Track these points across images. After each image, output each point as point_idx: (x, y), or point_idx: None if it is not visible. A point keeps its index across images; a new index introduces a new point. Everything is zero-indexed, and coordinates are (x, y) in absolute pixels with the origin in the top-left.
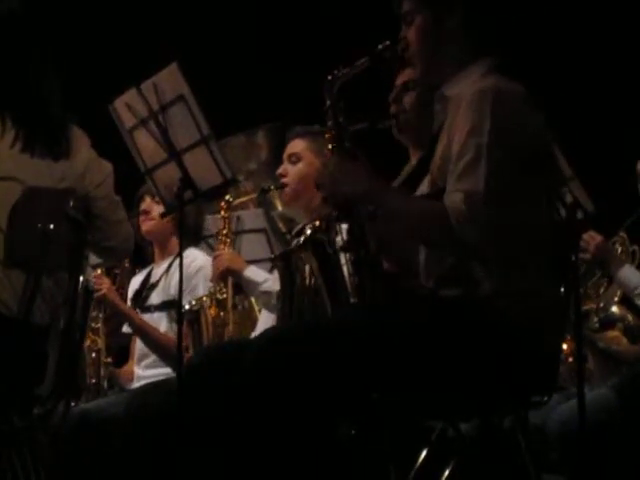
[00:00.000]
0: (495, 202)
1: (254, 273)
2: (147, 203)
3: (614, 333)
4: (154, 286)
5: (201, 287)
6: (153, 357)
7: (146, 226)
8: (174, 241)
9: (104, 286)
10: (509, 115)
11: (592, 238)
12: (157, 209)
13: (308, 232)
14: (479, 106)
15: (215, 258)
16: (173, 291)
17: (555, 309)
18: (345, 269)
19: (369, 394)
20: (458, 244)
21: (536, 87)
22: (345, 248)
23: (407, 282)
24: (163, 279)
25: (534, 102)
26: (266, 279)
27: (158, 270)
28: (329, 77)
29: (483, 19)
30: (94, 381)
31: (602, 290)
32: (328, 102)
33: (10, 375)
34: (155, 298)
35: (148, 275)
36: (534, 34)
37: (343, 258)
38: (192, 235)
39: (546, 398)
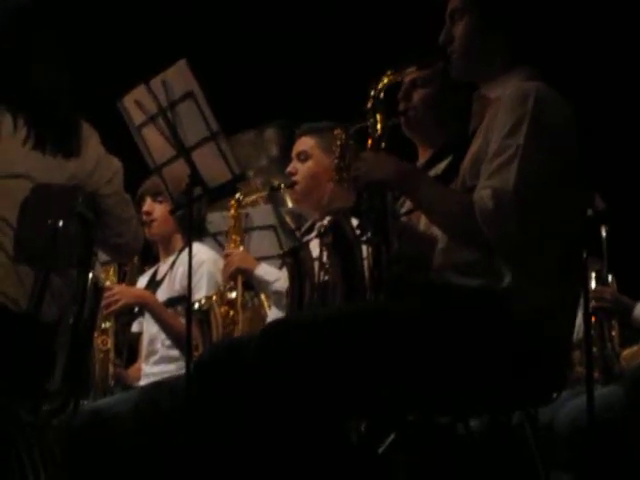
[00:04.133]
0: (523, 202)
1: (265, 271)
2: (148, 204)
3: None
4: (159, 283)
5: (204, 281)
6: (160, 354)
7: (149, 230)
8: (177, 238)
9: (117, 296)
10: (548, 120)
11: (602, 289)
12: (158, 209)
13: (327, 222)
14: (520, 108)
15: (225, 258)
16: (178, 286)
17: (567, 306)
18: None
19: (377, 389)
20: (482, 238)
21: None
22: (368, 241)
23: (422, 276)
24: (168, 276)
25: (572, 111)
26: (277, 278)
27: (163, 267)
28: (376, 80)
29: (531, 30)
30: (101, 381)
31: None
32: (371, 103)
33: (19, 371)
34: (161, 295)
35: (154, 273)
36: (573, 47)
37: (364, 252)
38: (195, 230)
39: (555, 395)
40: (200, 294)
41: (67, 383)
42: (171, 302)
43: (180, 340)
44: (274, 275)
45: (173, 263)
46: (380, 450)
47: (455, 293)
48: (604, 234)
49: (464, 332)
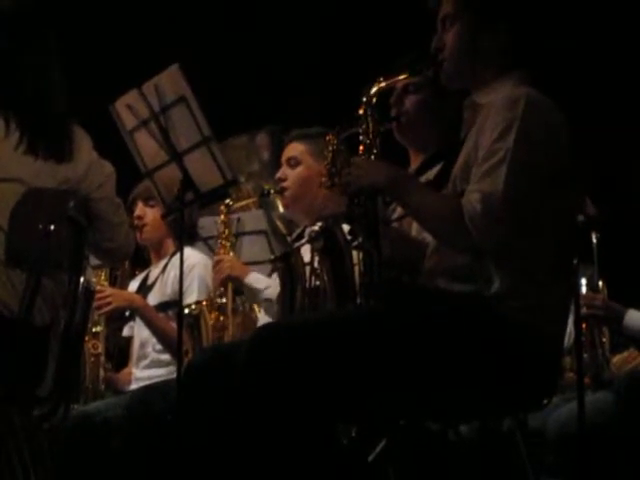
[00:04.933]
0: (511, 206)
1: (255, 280)
2: (140, 208)
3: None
4: (151, 288)
5: (195, 285)
6: (151, 358)
7: (141, 235)
8: (169, 242)
9: (109, 299)
10: (538, 125)
11: (594, 296)
12: (150, 214)
13: (318, 227)
14: (509, 112)
15: (216, 264)
16: (169, 291)
17: (558, 312)
18: (356, 268)
19: (367, 394)
20: (471, 242)
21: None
22: (359, 247)
23: (412, 281)
24: (159, 280)
25: (564, 116)
26: (267, 286)
27: (155, 272)
28: (368, 86)
29: (522, 36)
30: (92, 385)
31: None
32: (363, 109)
33: (10, 376)
34: (152, 300)
35: (145, 278)
36: (564, 52)
37: (355, 257)
38: (187, 235)
39: (546, 401)
40: (191, 298)
41: (58, 387)
42: (162, 306)
43: (171, 344)
44: (264, 283)
45: (164, 267)
46: (371, 457)
47: (445, 299)
48: (595, 240)
49: (454, 338)
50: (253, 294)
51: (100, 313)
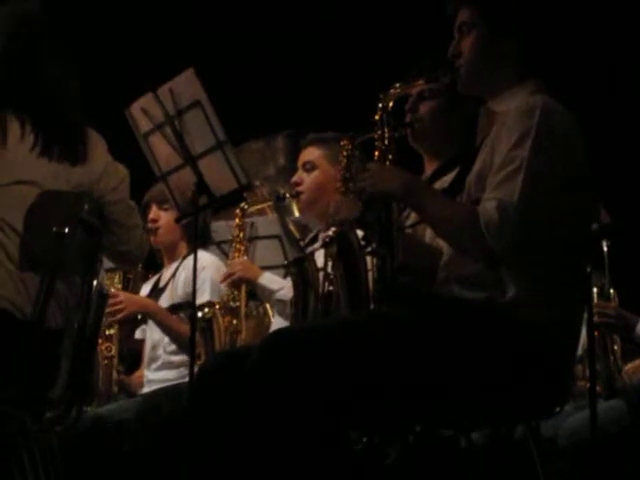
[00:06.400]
0: (527, 214)
1: (269, 280)
2: (154, 211)
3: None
4: (162, 291)
5: (207, 285)
6: (162, 360)
7: (155, 238)
8: (182, 245)
9: (122, 305)
10: (554, 133)
11: (606, 305)
12: (164, 217)
13: (332, 232)
14: (526, 121)
15: (229, 267)
16: (181, 292)
17: (571, 320)
18: (370, 274)
19: (379, 400)
20: (487, 250)
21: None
22: (373, 252)
23: (427, 288)
24: (171, 283)
25: (579, 125)
26: (281, 287)
27: (166, 274)
28: (384, 92)
29: (538, 44)
30: (105, 387)
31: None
32: (379, 115)
33: (23, 378)
34: (164, 302)
35: (157, 281)
36: (581, 60)
37: (369, 263)
38: (200, 238)
39: (558, 408)
40: (203, 298)
41: (70, 390)
42: (174, 308)
43: (186, 346)
44: (278, 284)
45: (175, 270)
46: (384, 464)
47: (459, 306)
48: (606, 248)
49: (467, 345)
50: (267, 294)
51: (113, 320)
